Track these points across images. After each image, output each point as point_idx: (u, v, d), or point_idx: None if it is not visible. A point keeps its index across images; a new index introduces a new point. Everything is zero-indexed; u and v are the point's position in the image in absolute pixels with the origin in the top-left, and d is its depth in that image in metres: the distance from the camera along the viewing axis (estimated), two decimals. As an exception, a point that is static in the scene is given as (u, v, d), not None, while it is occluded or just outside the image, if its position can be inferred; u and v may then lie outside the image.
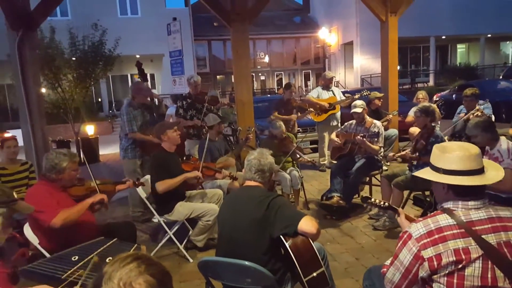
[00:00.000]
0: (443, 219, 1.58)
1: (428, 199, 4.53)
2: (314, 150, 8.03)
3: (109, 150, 12.26)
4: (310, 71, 29.67)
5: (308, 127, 8.08)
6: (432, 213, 1.65)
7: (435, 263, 1.52)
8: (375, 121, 4.89)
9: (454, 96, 13.27)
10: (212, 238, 4.00)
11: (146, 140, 4.73)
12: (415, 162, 4.23)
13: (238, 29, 6.39)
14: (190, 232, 4.04)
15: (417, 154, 4.12)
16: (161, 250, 3.95)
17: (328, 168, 6.86)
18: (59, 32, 10.97)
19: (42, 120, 5.61)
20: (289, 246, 2.08)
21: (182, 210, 3.77)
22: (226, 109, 7.56)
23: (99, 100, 22.97)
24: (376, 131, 4.63)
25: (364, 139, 4.43)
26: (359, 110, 4.78)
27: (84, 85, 10.82)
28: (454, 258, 1.50)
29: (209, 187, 4.42)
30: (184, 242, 3.97)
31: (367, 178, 5.01)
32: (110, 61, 11.24)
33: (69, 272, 2.14)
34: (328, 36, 23.66)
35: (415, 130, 6.84)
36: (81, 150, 10.43)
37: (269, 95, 21.98)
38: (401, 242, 1.64)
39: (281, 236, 2.13)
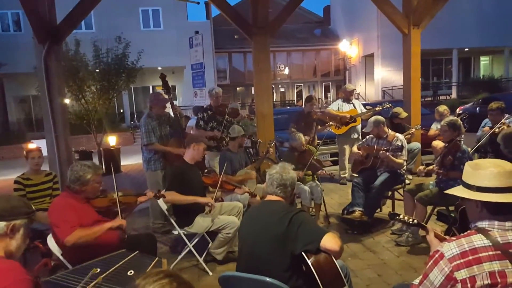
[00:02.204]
0: (478, 240, 1.51)
1: (452, 215, 4.39)
2: (334, 163, 7.93)
3: (130, 161, 12.43)
4: (330, 83, 29.56)
5: (328, 139, 7.99)
6: (465, 233, 1.58)
7: (469, 285, 1.45)
8: (397, 134, 4.80)
9: (477, 109, 12.97)
10: (232, 251, 3.98)
11: (165, 151, 4.77)
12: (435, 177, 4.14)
13: (259, 43, 6.43)
14: (210, 244, 4.02)
15: (443, 169, 4.00)
16: (180, 262, 3.94)
17: (348, 181, 6.75)
18: (84, 45, 11.25)
19: (66, 131, 5.72)
20: (311, 263, 2.04)
21: (202, 222, 3.76)
22: (245, 121, 7.57)
23: (121, 111, 23.44)
24: (399, 144, 4.54)
25: (388, 153, 4.34)
26: (367, 130, 4.84)
27: (107, 97, 11.04)
28: (489, 281, 1.43)
29: (228, 200, 4.40)
30: (203, 255, 3.95)
31: (390, 193, 4.90)
32: (133, 73, 11.46)
33: (91, 285, 2.15)
34: (349, 48, 23.57)
35: (438, 143, 6.69)
36: (103, 160, 10.64)
37: (288, 107, 21.95)
38: (432, 261, 1.57)
39: (303, 253, 2.08)
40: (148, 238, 3.43)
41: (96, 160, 10.90)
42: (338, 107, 6.70)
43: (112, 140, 11.83)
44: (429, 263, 1.57)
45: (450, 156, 3.99)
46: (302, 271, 2.15)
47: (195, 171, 3.96)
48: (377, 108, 6.45)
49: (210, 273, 3.76)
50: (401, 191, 4.89)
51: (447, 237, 1.81)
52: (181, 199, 3.66)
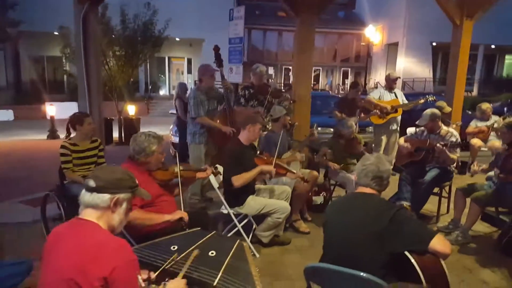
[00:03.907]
0: None
1: (502, 217, 4.27)
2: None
3: (147, 131, 12.28)
4: (349, 69, 28.98)
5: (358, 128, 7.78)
6: None
7: None
8: (451, 129, 4.64)
9: (505, 109, 12.76)
10: (277, 234, 3.89)
11: (213, 126, 4.63)
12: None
13: (305, 21, 6.17)
14: (254, 226, 3.92)
15: (504, 172, 3.87)
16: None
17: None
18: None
19: (99, 96, 5.55)
20: (416, 263, 1.91)
21: (253, 204, 3.66)
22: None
23: (131, 80, 23.06)
24: (454, 140, 4.40)
25: (445, 148, 4.20)
26: (421, 124, 4.64)
27: (131, 65, 10.80)
28: None
29: (273, 183, 4.27)
30: (250, 237, 3.85)
31: (437, 189, 4.76)
32: (158, 42, 11.17)
33: (171, 261, 2.04)
34: (373, 34, 22.95)
35: (476, 141, 6.55)
36: (123, 129, 10.53)
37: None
38: None
39: (406, 252, 1.95)
40: (201, 215, 3.38)
41: (116, 128, 10.80)
42: (379, 95, 6.44)
43: (131, 109, 11.71)
44: None
45: (511, 160, 3.89)
46: (400, 269, 2.03)
47: (250, 152, 3.83)
48: (420, 101, 6.23)
49: (257, 255, 3.67)
50: (446, 188, 4.76)
51: None
52: (248, 177, 3.58)
